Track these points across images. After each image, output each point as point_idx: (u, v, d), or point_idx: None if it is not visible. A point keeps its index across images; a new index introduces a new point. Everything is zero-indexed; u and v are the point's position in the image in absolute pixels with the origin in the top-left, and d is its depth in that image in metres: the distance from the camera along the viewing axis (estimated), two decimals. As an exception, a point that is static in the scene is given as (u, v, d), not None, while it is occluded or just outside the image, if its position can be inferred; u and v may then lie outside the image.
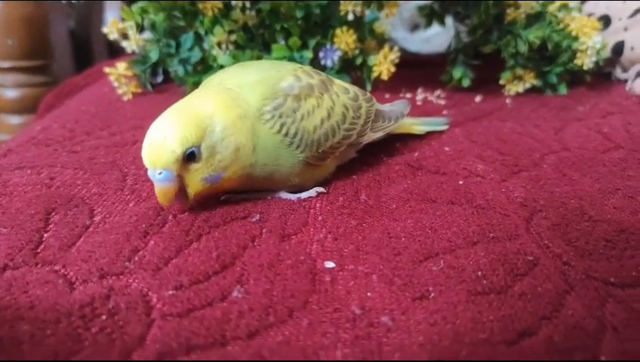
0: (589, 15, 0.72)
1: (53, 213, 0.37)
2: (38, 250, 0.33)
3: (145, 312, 0.28)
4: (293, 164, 0.39)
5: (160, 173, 0.34)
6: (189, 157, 0.34)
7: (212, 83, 0.40)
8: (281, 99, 0.38)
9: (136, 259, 0.32)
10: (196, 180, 0.35)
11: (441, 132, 0.55)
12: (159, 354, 0.25)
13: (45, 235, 0.35)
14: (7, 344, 0.26)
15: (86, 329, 0.26)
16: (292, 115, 0.38)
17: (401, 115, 0.49)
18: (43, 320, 0.27)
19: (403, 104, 0.52)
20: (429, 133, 0.54)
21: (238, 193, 0.40)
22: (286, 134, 0.38)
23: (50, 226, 0.36)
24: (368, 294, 0.29)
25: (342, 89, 0.43)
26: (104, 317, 0.27)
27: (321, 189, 0.41)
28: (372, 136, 0.46)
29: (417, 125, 0.53)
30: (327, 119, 0.40)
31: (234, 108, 0.36)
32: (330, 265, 0.32)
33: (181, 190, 0.36)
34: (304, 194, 0.41)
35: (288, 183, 0.40)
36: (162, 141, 0.34)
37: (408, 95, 0.70)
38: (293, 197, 0.40)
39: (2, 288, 0.30)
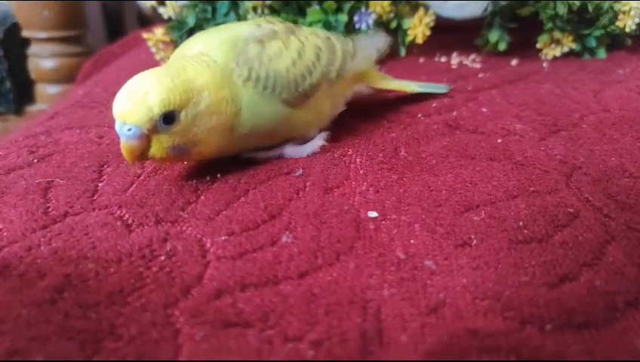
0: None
1: (105, 166, 0.39)
2: (95, 198, 0.35)
3: (201, 254, 0.29)
4: (276, 110, 0.38)
5: (129, 130, 0.32)
6: (166, 119, 0.32)
7: (191, 52, 0.38)
8: (242, 45, 0.38)
9: (189, 209, 0.34)
10: (163, 146, 0.33)
11: (477, 93, 0.55)
12: (217, 290, 0.27)
13: (100, 185, 0.37)
14: (75, 280, 0.27)
15: (147, 268, 0.28)
16: (258, 58, 0.37)
17: (380, 46, 0.49)
18: (105, 259, 0.29)
19: (379, 37, 0.51)
20: (467, 95, 0.54)
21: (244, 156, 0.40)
22: (257, 79, 0.37)
23: (104, 177, 0.38)
24: (411, 241, 0.30)
25: (310, 32, 0.43)
26: (163, 258, 0.29)
27: (322, 137, 0.42)
28: (354, 66, 0.45)
29: (411, 85, 0.53)
30: (299, 58, 0.39)
31: (223, 88, 0.35)
32: (373, 214, 0.33)
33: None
34: (307, 149, 0.41)
35: (278, 137, 0.40)
36: (142, 96, 0.32)
37: (443, 59, 0.70)
38: (295, 154, 0.41)
39: (65, 232, 0.32)
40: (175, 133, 0.33)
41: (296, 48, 0.40)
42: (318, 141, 0.42)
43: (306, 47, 0.40)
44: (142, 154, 0.33)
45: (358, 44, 0.47)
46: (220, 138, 0.36)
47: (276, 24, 0.41)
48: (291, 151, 0.41)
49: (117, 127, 0.33)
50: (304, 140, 0.42)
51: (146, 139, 0.33)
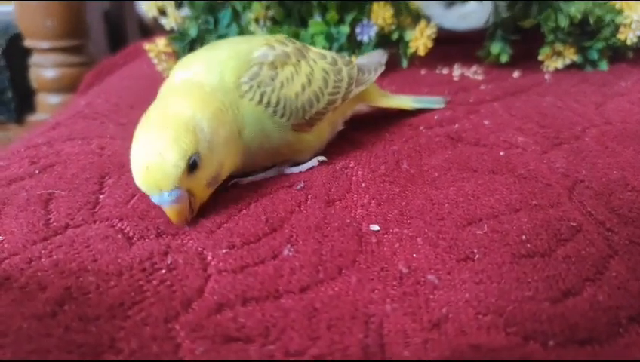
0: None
1: (107, 178, 0.39)
2: (96, 210, 0.35)
3: (202, 268, 0.29)
4: (282, 133, 0.38)
5: (170, 195, 0.31)
6: (192, 166, 0.32)
7: (178, 78, 0.38)
8: (256, 68, 0.37)
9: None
10: (202, 187, 0.33)
11: (479, 106, 0.55)
12: (218, 304, 0.26)
13: (101, 197, 0.37)
14: (75, 293, 0.27)
15: (147, 282, 0.28)
16: (271, 84, 0.37)
17: (379, 66, 0.49)
18: (106, 272, 0.29)
19: (378, 54, 0.52)
20: (469, 107, 0.54)
21: (242, 177, 0.39)
22: (268, 104, 0.37)
23: (105, 189, 0.38)
24: (414, 255, 0.30)
25: (319, 55, 0.43)
26: (164, 271, 0.29)
27: (322, 158, 0.42)
28: (356, 91, 0.45)
29: (409, 102, 0.53)
30: (309, 85, 0.39)
31: (210, 102, 0.34)
32: (375, 228, 0.33)
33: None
34: (307, 165, 0.41)
35: (280, 156, 0.40)
36: (161, 160, 0.31)
37: (445, 71, 0.70)
38: (295, 169, 0.41)
39: (66, 244, 0.31)
40: (204, 170, 0.33)
41: (305, 73, 0.40)
42: (314, 162, 0.41)
43: (315, 71, 0.41)
44: (190, 208, 0.33)
45: (361, 66, 0.47)
46: (234, 147, 0.36)
47: (287, 45, 0.41)
48: (288, 170, 0.41)
49: (156, 200, 0.32)
50: (300, 162, 0.41)
51: (187, 193, 0.32)
